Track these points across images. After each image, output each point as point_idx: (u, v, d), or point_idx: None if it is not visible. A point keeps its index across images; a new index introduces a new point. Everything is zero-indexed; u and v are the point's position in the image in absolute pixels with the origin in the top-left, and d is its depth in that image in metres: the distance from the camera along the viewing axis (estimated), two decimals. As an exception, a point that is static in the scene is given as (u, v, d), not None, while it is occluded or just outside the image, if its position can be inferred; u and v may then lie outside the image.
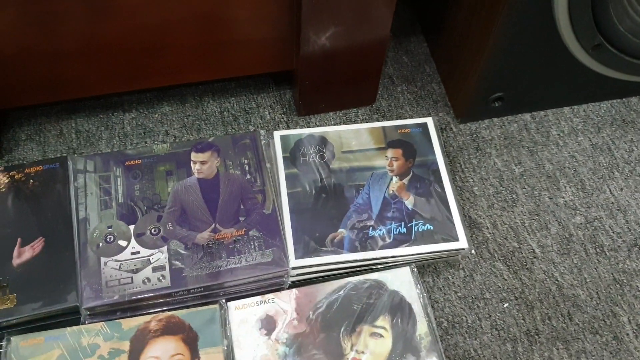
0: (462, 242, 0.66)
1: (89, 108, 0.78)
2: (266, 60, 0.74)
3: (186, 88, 0.81)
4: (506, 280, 0.70)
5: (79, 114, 0.78)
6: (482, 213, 0.74)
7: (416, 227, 0.66)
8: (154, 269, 0.60)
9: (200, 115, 0.79)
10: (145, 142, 0.76)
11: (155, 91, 0.80)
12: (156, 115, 0.79)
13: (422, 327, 0.61)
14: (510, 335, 0.66)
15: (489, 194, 0.75)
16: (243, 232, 0.63)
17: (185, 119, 0.79)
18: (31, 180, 0.64)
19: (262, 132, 0.70)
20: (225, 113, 0.79)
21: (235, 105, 0.80)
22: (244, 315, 0.61)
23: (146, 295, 0.59)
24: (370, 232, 0.65)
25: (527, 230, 0.73)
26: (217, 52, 0.72)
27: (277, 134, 0.71)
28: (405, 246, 0.65)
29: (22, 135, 0.76)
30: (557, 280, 0.70)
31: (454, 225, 0.66)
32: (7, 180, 0.64)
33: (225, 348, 0.59)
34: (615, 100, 0.84)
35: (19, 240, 0.60)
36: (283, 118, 0.79)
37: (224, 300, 0.61)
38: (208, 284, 0.60)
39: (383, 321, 0.61)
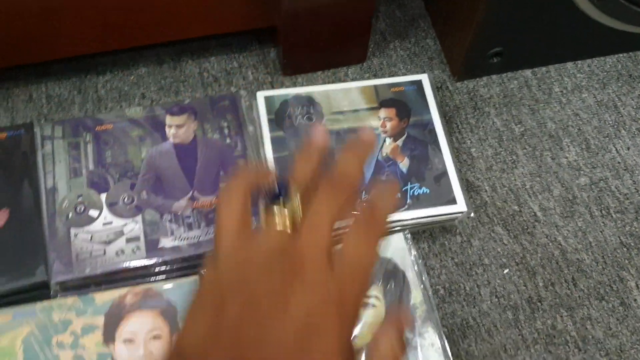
0: (461, 206, 0.61)
1: (60, 71, 0.73)
2: (247, 16, 0.69)
3: (163, 48, 0.75)
4: (506, 245, 0.66)
5: (49, 78, 0.73)
6: (481, 176, 0.70)
7: (411, 191, 0.62)
8: (128, 240, 0.56)
9: (178, 76, 0.74)
10: (121, 106, 0.71)
11: (130, 52, 0.75)
12: (132, 78, 0.74)
13: (416, 296, 0.58)
14: (511, 303, 0.63)
15: (487, 155, 0.71)
16: (224, 199, 0.58)
17: (163, 81, 0.74)
18: (-5, 148, 0.59)
19: (243, 92, 0.66)
20: (205, 74, 0.74)
21: (215, 65, 0.75)
22: (226, 287, 0.57)
23: (120, 268, 0.55)
24: (363, 196, 0.61)
25: (528, 193, 0.69)
26: (193, 8, 0.66)
27: (260, 95, 0.66)
28: (400, 211, 0.61)
29: (-12, 101, 0.71)
30: (561, 245, 0.66)
31: (451, 188, 0.62)
32: (-32, 148, 0.59)
33: (207, 322, 0.55)
34: (621, 55, 0.79)
35: (-19, 211, 0.56)
36: (267, 78, 0.74)
37: (204, 271, 0.57)
38: (186, 255, 0.55)
39: (375, 290, 0.57)
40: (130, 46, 0.70)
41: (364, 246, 0.32)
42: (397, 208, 0.42)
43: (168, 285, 0.56)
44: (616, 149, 0.72)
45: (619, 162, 0.71)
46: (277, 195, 0.34)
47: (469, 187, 0.68)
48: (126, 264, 0.55)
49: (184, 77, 0.74)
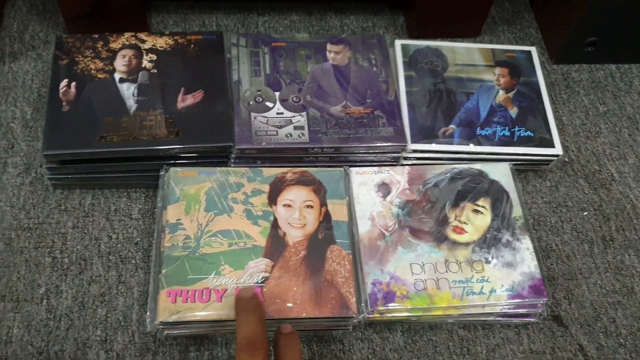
0: (558, 150, 0.74)
1: (227, 8, 0.89)
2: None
3: (312, 3, 0.91)
4: (586, 194, 0.78)
5: (219, 11, 0.88)
6: (569, 139, 0.83)
7: (518, 132, 0.75)
8: (295, 128, 0.69)
9: (323, 26, 0.89)
10: (276, 41, 0.86)
11: (285, 2, 0.90)
12: (285, 22, 0.89)
13: (517, 211, 0.70)
14: (587, 238, 0.75)
15: (575, 124, 0.84)
16: (369, 111, 0.72)
17: (311, 28, 0.88)
18: (192, 45, 0.74)
19: (387, 36, 0.80)
20: (345, 27, 0.89)
21: (354, 22, 0.90)
22: (363, 179, 0.70)
23: (288, 147, 0.68)
24: (477, 130, 0.74)
25: (608, 158, 0.82)
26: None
27: (398, 42, 0.81)
28: (508, 146, 0.74)
29: (169, 21, 0.86)
30: (632, 201, 0.78)
31: (551, 134, 0.75)
32: (171, 42, 0.74)
33: (348, 201, 0.68)
34: (694, 63, 0.92)
35: (182, 89, 0.70)
36: (395, 39, 0.88)
37: (347, 166, 0.71)
38: (339, 146, 0.69)
39: (484, 201, 0.70)
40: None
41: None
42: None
43: (319, 171, 0.69)
44: (684, 136, 0.85)
45: (686, 147, 0.84)
46: None
47: (559, 145, 0.81)
48: (293, 145, 0.68)
49: (328, 27, 0.89)
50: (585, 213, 0.77)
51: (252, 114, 0.70)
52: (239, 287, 0.60)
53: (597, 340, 0.68)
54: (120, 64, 0.71)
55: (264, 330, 0.54)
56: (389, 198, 0.69)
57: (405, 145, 0.71)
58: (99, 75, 0.70)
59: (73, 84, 0.69)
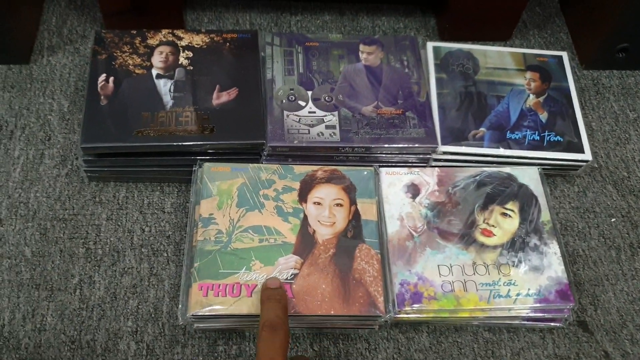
0: (587, 155, 0.74)
1: (261, 7, 0.90)
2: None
3: (344, 3, 0.91)
4: (615, 200, 0.78)
5: (252, 10, 0.89)
6: (598, 145, 0.83)
7: (548, 137, 0.75)
8: (327, 127, 0.70)
9: (355, 26, 0.90)
10: (307, 41, 0.86)
11: (318, 2, 0.91)
12: (318, 22, 0.89)
13: (545, 216, 0.70)
14: (615, 244, 0.75)
15: (604, 130, 0.84)
16: (400, 112, 0.73)
17: (342, 28, 0.89)
18: (227, 44, 0.75)
19: (420, 38, 0.80)
20: (376, 28, 0.90)
21: (385, 23, 0.90)
22: (392, 179, 0.71)
23: (319, 145, 0.69)
24: (507, 134, 0.75)
25: (637, 165, 0.81)
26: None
27: (429, 44, 0.81)
28: (537, 150, 0.74)
29: (204, 19, 0.88)
30: (661, 209, 0.78)
31: (581, 140, 0.75)
32: (207, 40, 0.75)
33: (377, 201, 0.69)
34: None
35: (217, 86, 0.71)
36: (427, 41, 0.89)
37: (377, 166, 0.71)
38: (370, 146, 0.70)
39: (512, 205, 0.70)
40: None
41: None
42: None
43: (350, 170, 0.70)
44: None
45: None
46: None
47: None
48: (324, 144, 0.69)
49: (360, 28, 0.90)
50: (613, 219, 0.77)
51: (285, 112, 0.71)
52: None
53: (622, 348, 0.68)
54: (157, 60, 0.73)
55: (286, 318, 0.57)
56: (418, 199, 0.70)
57: (436, 147, 0.71)
58: (137, 71, 0.71)
59: (111, 78, 0.70)
